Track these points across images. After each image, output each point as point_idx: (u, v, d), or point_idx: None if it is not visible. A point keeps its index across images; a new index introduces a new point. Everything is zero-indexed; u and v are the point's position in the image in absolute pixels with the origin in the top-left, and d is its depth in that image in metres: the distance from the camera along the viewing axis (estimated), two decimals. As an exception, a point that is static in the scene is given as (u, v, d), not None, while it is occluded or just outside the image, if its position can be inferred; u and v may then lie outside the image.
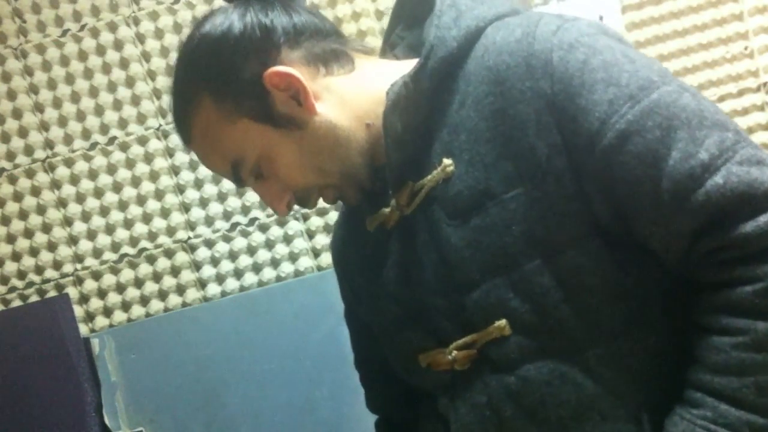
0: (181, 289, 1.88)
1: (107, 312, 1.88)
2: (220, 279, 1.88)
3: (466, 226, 0.82)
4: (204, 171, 1.88)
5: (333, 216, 1.86)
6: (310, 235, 1.87)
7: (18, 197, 1.89)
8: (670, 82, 0.77)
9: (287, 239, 1.87)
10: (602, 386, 0.80)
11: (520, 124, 0.78)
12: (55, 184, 1.89)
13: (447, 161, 0.83)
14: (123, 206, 1.88)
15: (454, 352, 0.86)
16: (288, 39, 0.85)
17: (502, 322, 0.82)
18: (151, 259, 1.88)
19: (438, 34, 0.84)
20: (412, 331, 0.91)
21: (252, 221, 1.88)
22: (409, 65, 0.86)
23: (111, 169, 1.88)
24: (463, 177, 0.82)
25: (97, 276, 1.88)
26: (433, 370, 0.90)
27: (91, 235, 1.88)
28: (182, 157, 1.88)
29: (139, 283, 1.88)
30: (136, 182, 1.88)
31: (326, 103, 0.86)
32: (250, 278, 1.87)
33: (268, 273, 1.87)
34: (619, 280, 0.79)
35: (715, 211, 0.73)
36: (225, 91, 0.85)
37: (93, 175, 1.88)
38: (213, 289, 1.88)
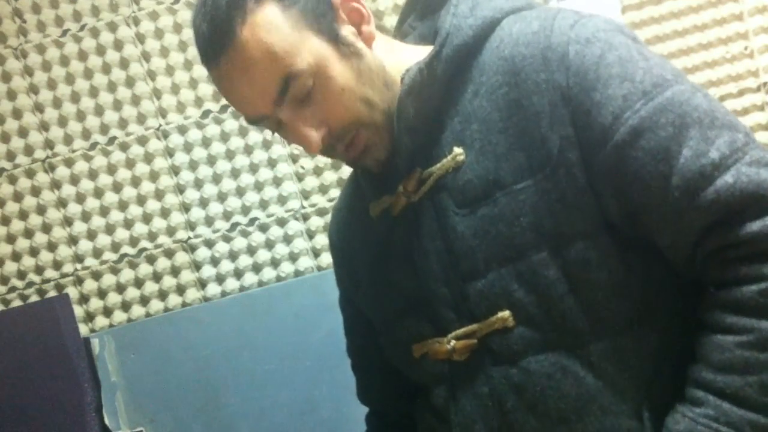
0: (181, 289, 1.88)
1: (107, 312, 1.88)
2: (220, 279, 1.88)
3: (474, 215, 0.82)
4: (204, 171, 1.88)
5: (333, 216, 1.86)
6: (310, 235, 1.87)
7: (18, 197, 1.89)
8: (683, 82, 0.78)
9: (287, 239, 1.87)
10: (604, 381, 0.80)
11: (533, 115, 0.79)
12: (55, 184, 1.89)
13: (458, 150, 0.84)
14: (123, 206, 1.88)
15: (453, 342, 0.86)
16: None
17: (506, 313, 0.82)
18: (151, 259, 1.88)
19: (454, 23, 0.84)
20: (413, 319, 0.91)
21: (252, 221, 1.88)
22: (422, 51, 0.86)
23: (111, 169, 1.88)
24: (474, 166, 0.82)
25: (97, 276, 1.88)
26: (430, 360, 0.90)
27: (91, 235, 1.88)
28: (182, 157, 1.88)
29: (139, 283, 1.88)
30: (136, 182, 1.88)
31: (377, 46, 0.86)
32: (250, 278, 1.87)
33: (268, 273, 1.87)
34: (624, 276, 0.80)
35: (724, 210, 0.73)
36: None
37: (93, 175, 1.88)
38: (213, 289, 1.88)
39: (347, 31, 0.83)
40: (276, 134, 0.89)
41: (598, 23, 0.81)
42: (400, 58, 0.87)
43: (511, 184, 0.80)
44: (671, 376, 0.80)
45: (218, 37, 0.80)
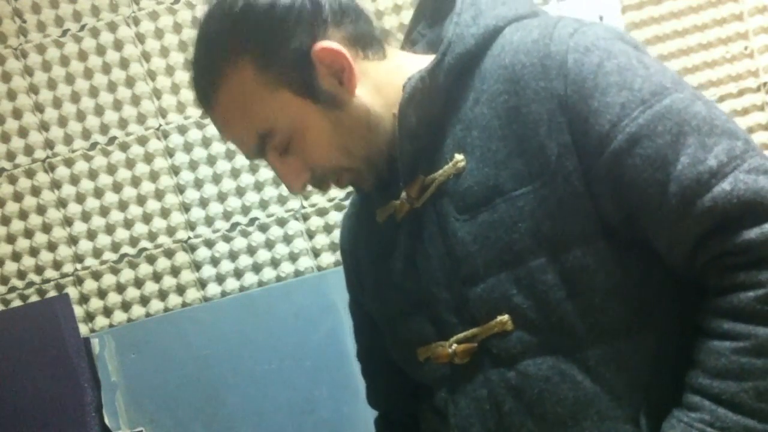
0: (181, 289, 1.88)
1: (107, 312, 1.88)
2: (220, 279, 1.88)
3: (474, 221, 0.83)
4: (204, 171, 1.88)
5: (333, 216, 1.86)
6: (310, 235, 1.87)
7: (18, 197, 1.89)
8: (682, 90, 0.78)
9: (287, 239, 1.87)
10: (601, 386, 0.81)
11: (532, 123, 0.79)
12: (55, 184, 1.89)
13: (458, 157, 0.84)
14: (123, 206, 1.88)
15: (455, 345, 0.86)
16: (334, 17, 0.85)
17: (505, 317, 0.82)
18: (151, 259, 1.88)
19: (457, 31, 0.85)
20: (415, 322, 0.92)
21: (252, 221, 1.88)
22: (429, 60, 0.86)
23: (111, 169, 1.88)
24: (474, 173, 0.83)
25: (97, 276, 1.88)
26: (433, 363, 0.91)
27: (91, 235, 1.88)
28: (182, 157, 1.88)
29: (139, 283, 1.88)
30: (136, 182, 1.88)
31: (363, 86, 0.86)
32: (250, 278, 1.87)
33: (268, 273, 1.87)
34: (622, 281, 0.80)
35: (721, 217, 0.73)
36: (270, 57, 0.83)
37: (93, 175, 1.88)
38: (213, 289, 1.88)
39: (328, 83, 0.84)
40: None
41: (598, 32, 0.81)
42: (403, 71, 0.87)
43: (510, 191, 0.81)
44: (668, 382, 0.80)
45: (202, 94, 0.87)
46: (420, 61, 0.89)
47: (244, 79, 0.83)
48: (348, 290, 1.11)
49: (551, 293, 0.80)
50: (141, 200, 1.88)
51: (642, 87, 0.77)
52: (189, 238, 1.88)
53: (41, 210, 1.88)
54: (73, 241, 1.88)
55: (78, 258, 1.88)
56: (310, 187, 0.91)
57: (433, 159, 0.87)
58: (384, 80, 0.88)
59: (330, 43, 0.83)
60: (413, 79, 0.84)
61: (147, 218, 1.88)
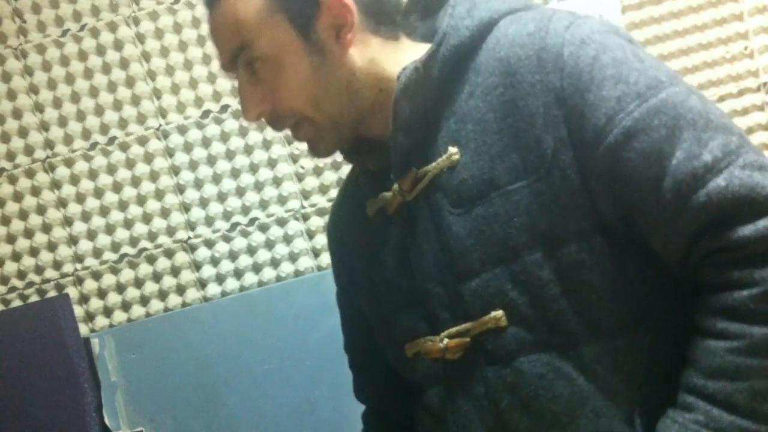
0: (181, 289, 1.88)
1: (107, 312, 1.88)
2: (220, 279, 1.88)
3: (468, 215, 0.83)
4: (204, 171, 1.88)
5: (333, 216, 1.86)
6: (310, 235, 1.87)
7: (18, 197, 1.89)
8: (678, 84, 0.78)
9: (287, 239, 1.87)
10: (596, 383, 0.81)
11: (528, 116, 0.79)
12: (55, 184, 1.89)
13: (453, 149, 0.84)
14: (123, 206, 1.88)
15: (446, 340, 0.86)
16: None
17: (499, 312, 0.82)
18: (151, 259, 1.88)
19: (451, 23, 0.85)
20: (408, 317, 0.91)
21: (252, 221, 1.88)
22: (422, 49, 0.86)
23: (111, 169, 1.88)
24: (469, 166, 0.83)
25: (97, 276, 1.88)
26: (423, 359, 0.90)
27: (91, 235, 1.88)
28: (182, 157, 1.88)
29: (139, 283, 1.88)
30: (136, 182, 1.88)
31: (358, 52, 0.86)
32: (250, 278, 1.87)
33: (268, 273, 1.87)
34: (618, 278, 0.80)
35: (716, 213, 0.73)
36: None
37: (93, 175, 1.88)
38: (213, 289, 1.87)
39: (324, 30, 0.84)
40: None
41: (593, 25, 0.81)
42: (399, 57, 0.87)
43: (505, 185, 0.80)
44: (663, 380, 0.80)
45: None
46: (415, 50, 0.88)
47: None
48: (335, 281, 1.10)
49: (546, 289, 0.80)
50: (141, 200, 1.88)
51: (638, 80, 0.76)
52: (189, 238, 1.88)
53: (41, 210, 1.88)
54: (73, 241, 1.88)
55: (78, 258, 1.88)
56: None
57: (427, 152, 0.86)
58: (386, 58, 0.88)
59: None
60: (408, 70, 0.84)
61: (147, 218, 1.88)
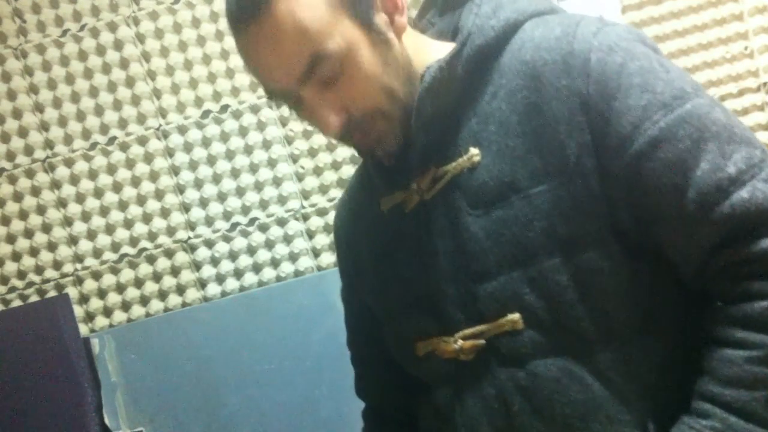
0: (181, 289, 1.88)
1: (107, 312, 1.88)
2: (220, 279, 1.88)
3: (488, 216, 0.82)
4: (204, 171, 1.88)
5: (333, 216, 1.85)
6: (310, 235, 1.87)
7: (18, 197, 1.89)
8: (703, 95, 0.78)
9: (287, 239, 1.87)
10: (610, 389, 0.80)
11: (552, 120, 0.78)
12: (55, 184, 1.89)
13: (474, 150, 0.83)
14: (123, 206, 1.88)
15: (460, 341, 0.86)
16: None
17: (516, 315, 0.82)
18: (151, 259, 1.88)
19: (477, 22, 0.84)
20: (418, 315, 0.91)
21: (252, 221, 1.88)
22: (443, 47, 0.86)
23: (111, 169, 1.88)
24: (490, 167, 0.82)
25: (97, 276, 1.88)
26: (436, 359, 0.90)
27: (91, 235, 1.88)
28: (182, 157, 1.88)
29: (139, 283, 1.88)
30: (136, 182, 1.88)
31: (406, 38, 0.85)
32: (250, 278, 1.87)
33: (268, 273, 1.87)
34: (635, 286, 0.80)
35: (738, 225, 0.73)
36: None
37: (93, 175, 1.88)
38: (213, 289, 1.88)
39: (380, 19, 0.82)
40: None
41: (621, 32, 0.81)
42: (423, 53, 0.86)
43: (526, 188, 0.80)
44: (677, 388, 0.80)
45: (251, 3, 0.77)
46: (437, 48, 0.88)
47: None
48: (342, 277, 1.09)
49: (564, 294, 0.80)
50: (141, 200, 1.88)
51: (664, 90, 0.76)
52: (189, 238, 1.88)
53: (41, 210, 1.88)
54: (73, 241, 1.88)
55: (78, 258, 1.88)
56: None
57: (447, 151, 0.86)
58: (417, 48, 0.87)
59: None
60: (432, 69, 0.83)
61: (147, 218, 1.88)
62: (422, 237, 0.88)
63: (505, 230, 0.81)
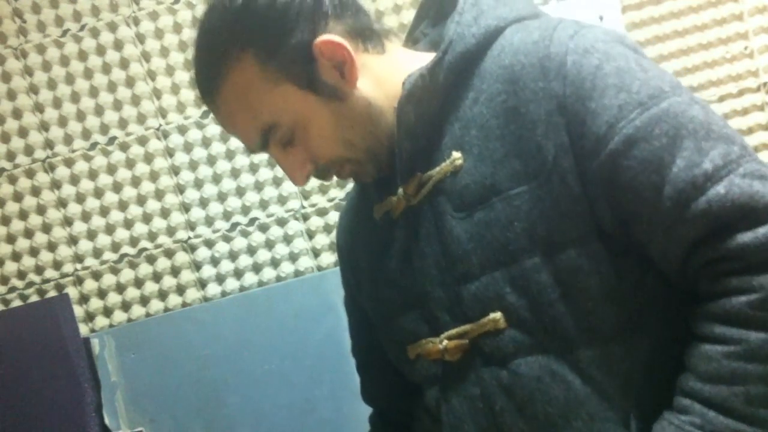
0: (181, 289, 1.88)
1: (107, 312, 1.88)
2: (220, 279, 1.88)
3: (470, 219, 0.83)
4: (204, 171, 1.88)
5: (333, 216, 1.86)
6: (310, 235, 1.87)
7: (18, 197, 1.89)
8: (680, 94, 0.78)
9: (287, 239, 1.87)
10: (591, 387, 0.81)
11: (530, 123, 0.79)
12: (55, 184, 1.89)
13: (456, 155, 0.85)
14: (123, 206, 1.88)
15: (445, 342, 0.87)
16: (334, 10, 0.85)
17: (497, 314, 0.83)
18: (151, 259, 1.88)
19: (458, 30, 0.85)
20: (409, 320, 0.92)
21: (252, 221, 1.88)
22: (429, 57, 0.87)
23: (111, 169, 1.88)
24: (472, 171, 0.83)
25: (97, 276, 1.88)
26: (424, 360, 0.91)
27: (91, 235, 1.88)
28: (182, 157, 1.88)
29: (139, 283, 1.88)
30: (136, 182, 1.88)
31: (364, 78, 0.86)
32: (250, 278, 1.87)
33: (268, 273, 1.87)
34: (615, 285, 0.80)
35: (715, 221, 0.73)
36: (272, 52, 0.83)
37: (93, 175, 1.88)
38: (213, 289, 1.88)
39: (329, 75, 0.84)
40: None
41: (598, 34, 0.82)
42: (405, 66, 0.87)
43: (506, 190, 0.81)
44: (660, 385, 0.80)
45: (206, 88, 0.87)
46: (420, 58, 0.89)
47: (247, 74, 0.83)
48: (344, 286, 1.11)
49: (545, 293, 0.80)
50: (141, 200, 1.88)
51: (640, 90, 0.77)
52: (189, 238, 1.88)
53: (41, 210, 1.88)
54: (73, 241, 1.88)
55: (78, 258, 1.88)
56: (312, 181, 0.92)
57: (431, 157, 0.87)
58: (384, 74, 0.88)
59: (331, 36, 0.83)
60: (413, 77, 0.84)
61: (147, 218, 1.88)
62: (410, 242, 0.90)
63: (486, 232, 0.82)
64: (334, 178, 0.92)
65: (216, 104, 0.87)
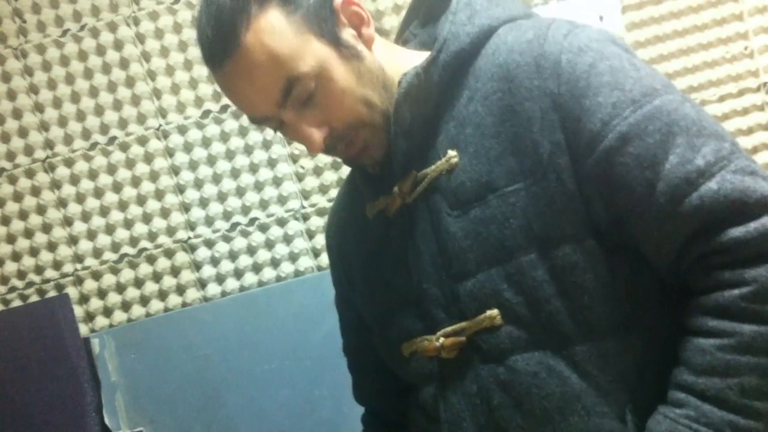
0: (181, 289, 1.88)
1: (107, 312, 1.88)
2: (220, 279, 1.88)
3: (466, 216, 0.84)
4: (204, 171, 1.88)
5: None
6: (310, 235, 1.87)
7: (18, 197, 1.89)
8: (672, 92, 0.79)
9: (287, 239, 1.87)
10: (588, 382, 0.82)
11: (525, 120, 0.80)
12: (55, 184, 1.89)
13: (452, 153, 0.85)
14: (123, 206, 1.88)
15: (441, 339, 0.87)
16: None
17: (494, 311, 0.83)
18: (151, 259, 1.88)
19: (452, 30, 0.86)
20: (405, 317, 0.92)
21: (252, 221, 1.88)
22: (420, 56, 0.88)
23: (111, 169, 1.88)
24: (467, 169, 0.84)
25: (97, 276, 1.88)
26: (419, 358, 0.92)
27: (91, 235, 1.88)
28: (182, 157, 1.88)
29: (139, 283, 1.88)
30: (136, 182, 1.88)
31: (376, 47, 0.88)
32: (250, 278, 1.87)
33: (268, 273, 1.87)
34: (610, 280, 0.81)
35: (708, 216, 0.75)
36: (295, 3, 0.82)
37: (93, 175, 1.88)
38: (213, 289, 1.88)
39: (348, 34, 0.85)
40: (277, 133, 0.90)
41: (591, 34, 0.83)
42: (398, 61, 0.89)
43: (502, 187, 0.82)
44: (655, 380, 0.81)
45: (223, 42, 0.81)
46: (413, 56, 0.90)
47: (273, 21, 0.81)
48: (334, 286, 1.12)
49: (540, 289, 0.81)
50: (141, 200, 1.88)
51: (633, 88, 0.78)
52: (189, 238, 1.88)
53: (41, 210, 1.88)
54: (73, 241, 1.88)
55: (78, 258, 1.88)
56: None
57: (426, 155, 0.88)
58: (389, 57, 0.90)
59: None
60: (409, 75, 0.85)
61: (147, 218, 1.88)
62: (406, 240, 0.90)
63: (482, 229, 0.83)
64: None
65: (233, 59, 0.81)
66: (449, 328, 0.87)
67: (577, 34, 0.82)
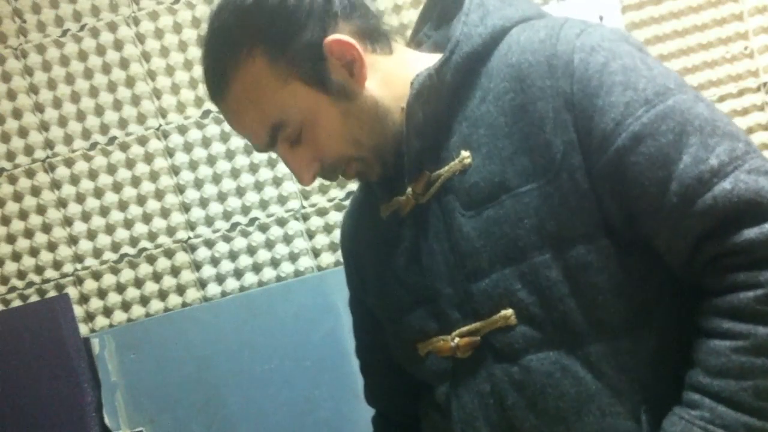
0: (181, 289, 1.88)
1: (107, 312, 1.88)
2: (220, 279, 1.88)
3: (479, 216, 0.84)
4: (204, 171, 1.88)
5: (333, 216, 1.86)
6: (310, 235, 1.87)
7: (18, 197, 1.89)
8: (686, 91, 0.79)
9: (287, 239, 1.87)
10: (602, 382, 0.81)
11: (538, 120, 0.80)
12: (55, 184, 1.89)
13: (465, 153, 0.85)
14: (123, 206, 1.88)
15: (457, 339, 0.87)
16: (344, 10, 0.87)
17: (509, 311, 0.83)
18: (151, 259, 1.88)
19: (465, 30, 0.86)
20: (418, 318, 0.92)
21: (252, 221, 1.88)
22: (434, 58, 0.88)
23: (111, 169, 1.88)
24: (480, 169, 0.84)
25: (97, 276, 1.88)
26: (434, 357, 0.92)
27: (91, 235, 1.88)
28: (182, 157, 1.88)
29: (139, 283, 1.88)
30: (136, 182, 1.88)
31: (372, 79, 0.88)
32: (250, 278, 1.87)
33: (268, 273, 1.87)
34: (624, 279, 0.80)
35: (721, 216, 0.74)
36: (282, 49, 0.84)
37: (93, 175, 1.89)
38: (213, 289, 1.88)
39: (339, 75, 0.85)
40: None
41: (604, 33, 0.82)
42: (410, 67, 0.88)
43: (515, 187, 0.82)
44: (669, 379, 0.80)
45: (216, 84, 0.87)
46: (426, 59, 0.90)
47: (257, 70, 0.84)
48: (348, 287, 1.12)
49: (554, 289, 0.81)
50: (141, 200, 1.88)
51: (646, 87, 0.78)
52: (189, 238, 1.88)
53: (41, 210, 1.88)
54: (73, 241, 1.88)
55: (78, 258, 1.88)
56: (318, 180, 0.92)
57: (439, 156, 0.88)
58: (392, 74, 0.89)
59: (341, 36, 0.84)
60: (421, 76, 0.85)
61: (147, 218, 1.88)
62: (419, 240, 0.90)
63: (496, 229, 0.83)
64: (333, 184, 0.93)
65: (225, 102, 0.87)
66: (464, 328, 0.87)
67: (590, 33, 0.81)
